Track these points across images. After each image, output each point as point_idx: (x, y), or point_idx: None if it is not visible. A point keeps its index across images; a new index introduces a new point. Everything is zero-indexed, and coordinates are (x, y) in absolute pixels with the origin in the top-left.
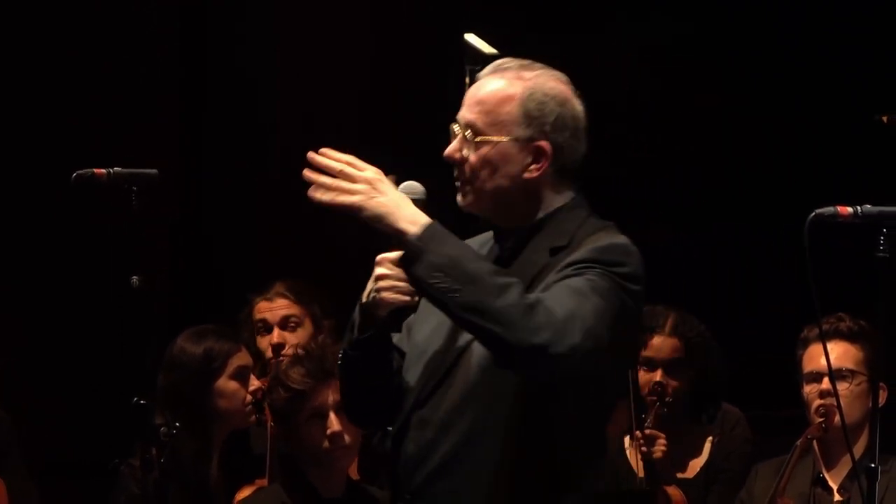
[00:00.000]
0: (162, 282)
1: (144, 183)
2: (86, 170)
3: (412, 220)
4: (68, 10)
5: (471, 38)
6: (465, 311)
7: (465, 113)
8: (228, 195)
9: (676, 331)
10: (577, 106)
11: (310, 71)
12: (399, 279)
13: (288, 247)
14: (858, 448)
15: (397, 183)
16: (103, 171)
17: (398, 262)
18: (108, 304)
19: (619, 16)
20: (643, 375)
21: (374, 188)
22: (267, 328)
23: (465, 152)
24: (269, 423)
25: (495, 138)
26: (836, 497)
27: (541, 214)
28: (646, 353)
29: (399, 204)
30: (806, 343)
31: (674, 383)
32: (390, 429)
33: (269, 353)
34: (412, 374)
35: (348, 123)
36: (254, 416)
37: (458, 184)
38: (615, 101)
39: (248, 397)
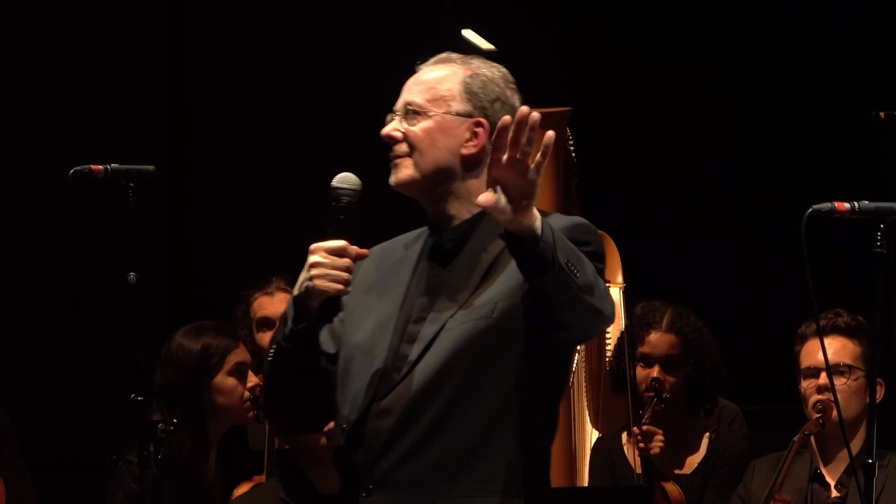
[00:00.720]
0: (157, 278)
1: (141, 179)
2: (83, 166)
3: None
4: (60, 10)
5: (468, 33)
6: (583, 290)
7: (405, 96)
8: (217, 192)
9: (673, 327)
10: (516, 95)
11: (299, 67)
12: (333, 267)
13: (277, 244)
14: (856, 444)
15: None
16: (100, 167)
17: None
18: (106, 301)
19: (613, 10)
20: (640, 371)
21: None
22: (269, 325)
23: (403, 128)
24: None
25: (434, 110)
26: (834, 493)
27: (479, 208)
28: (643, 349)
29: None
30: (803, 338)
31: (671, 379)
32: (343, 426)
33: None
34: (359, 370)
35: (338, 119)
36: (252, 413)
37: (394, 161)
38: (609, 97)
39: (246, 394)
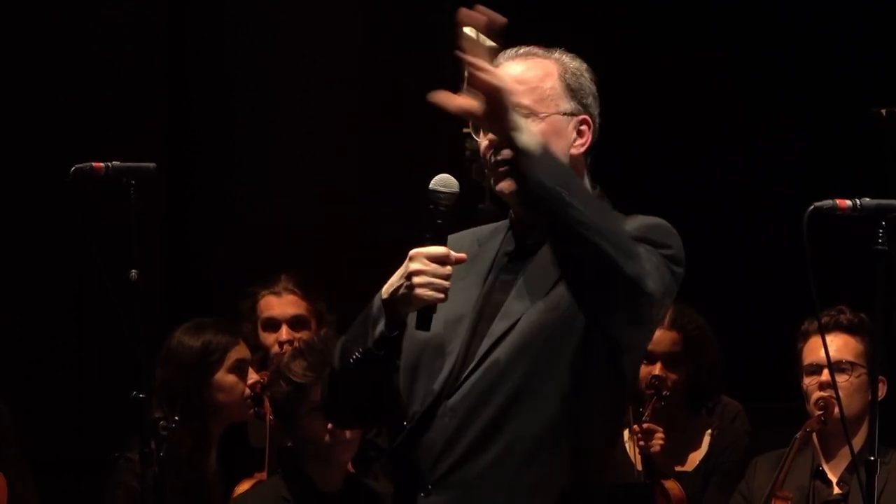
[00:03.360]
0: (157, 276)
1: (142, 177)
2: (84, 163)
3: (531, 131)
4: (60, 10)
5: (469, 31)
6: (588, 228)
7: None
8: (217, 191)
9: (675, 324)
10: (594, 86)
11: (299, 66)
12: (435, 275)
13: (277, 242)
14: (858, 441)
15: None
16: (101, 164)
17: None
18: (106, 299)
19: (614, 9)
20: (642, 368)
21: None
22: (274, 326)
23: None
24: (268, 417)
25: (545, 112)
26: (836, 490)
27: None
28: None
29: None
30: (806, 335)
31: (673, 376)
32: (405, 423)
33: (276, 349)
34: (429, 367)
35: (338, 119)
36: (252, 410)
37: (501, 169)
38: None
39: (247, 391)
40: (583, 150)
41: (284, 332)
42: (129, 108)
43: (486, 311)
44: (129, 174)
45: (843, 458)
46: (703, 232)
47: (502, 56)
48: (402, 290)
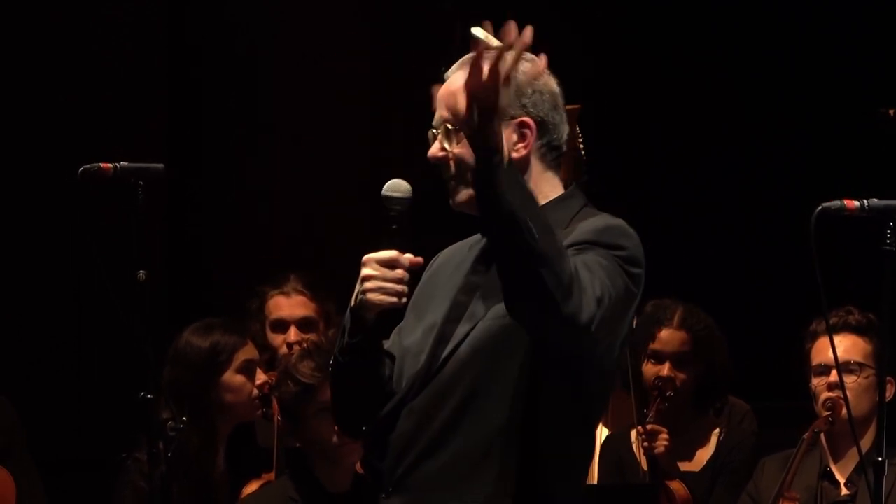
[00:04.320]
0: (163, 275)
1: (150, 177)
2: (92, 164)
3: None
4: (60, 10)
5: (477, 31)
6: (535, 257)
7: (440, 112)
8: (219, 191)
9: (684, 324)
10: (552, 81)
11: (301, 66)
12: (385, 280)
13: (281, 242)
14: (866, 441)
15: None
16: (109, 165)
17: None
18: (115, 298)
19: (617, 9)
20: (651, 368)
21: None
22: (282, 327)
23: (449, 147)
24: (276, 417)
25: None
26: (843, 491)
27: None
28: (654, 345)
29: None
30: (814, 336)
31: (681, 376)
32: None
33: (284, 350)
34: (405, 375)
35: (341, 119)
36: (260, 410)
37: (450, 183)
38: (612, 96)
39: (255, 391)
40: (525, 152)
41: (293, 334)
42: (129, 108)
43: (452, 314)
44: (138, 175)
45: (851, 459)
46: (711, 232)
47: (454, 66)
48: (358, 297)
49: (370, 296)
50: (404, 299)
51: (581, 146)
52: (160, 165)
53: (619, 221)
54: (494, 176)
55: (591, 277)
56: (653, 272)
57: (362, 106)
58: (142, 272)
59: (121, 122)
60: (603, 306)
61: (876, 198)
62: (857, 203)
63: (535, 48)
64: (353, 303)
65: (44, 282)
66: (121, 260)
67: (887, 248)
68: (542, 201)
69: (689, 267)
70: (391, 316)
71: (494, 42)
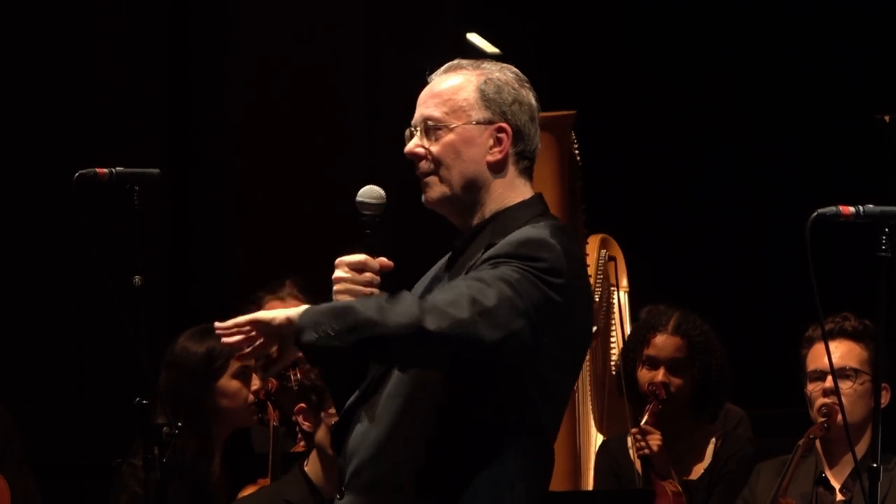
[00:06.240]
0: (160, 281)
1: (146, 182)
2: (88, 169)
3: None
4: (60, 10)
5: (473, 37)
6: (358, 330)
7: (422, 110)
8: (219, 194)
9: (679, 330)
10: (531, 94)
11: (301, 68)
12: (354, 281)
13: (280, 246)
14: (861, 447)
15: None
16: (105, 170)
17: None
18: (109, 304)
19: (616, 15)
20: (646, 374)
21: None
22: None
23: (427, 145)
24: (272, 423)
25: (454, 122)
26: (839, 497)
27: (493, 211)
28: (648, 351)
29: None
30: (810, 342)
31: (676, 382)
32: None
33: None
34: (369, 376)
35: (341, 121)
36: (256, 416)
37: (423, 180)
38: (611, 101)
39: (251, 396)
40: (500, 156)
41: None
42: (130, 111)
43: None
44: (133, 180)
45: (847, 465)
46: (706, 238)
47: (438, 70)
48: (333, 297)
49: (339, 297)
50: None
51: (576, 151)
52: (156, 170)
53: (540, 233)
54: (328, 347)
55: (503, 301)
56: (649, 278)
57: (361, 109)
58: (137, 277)
59: (121, 125)
60: (517, 311)
61: (871, 204)
62: (852, 209)
63: (534, 55)
64: None
65: (41, 287)
66: (117, 265)
67: (882, 254)
68: (498, 209)
69: (685, 273)
70: None
71: (490, 48)
